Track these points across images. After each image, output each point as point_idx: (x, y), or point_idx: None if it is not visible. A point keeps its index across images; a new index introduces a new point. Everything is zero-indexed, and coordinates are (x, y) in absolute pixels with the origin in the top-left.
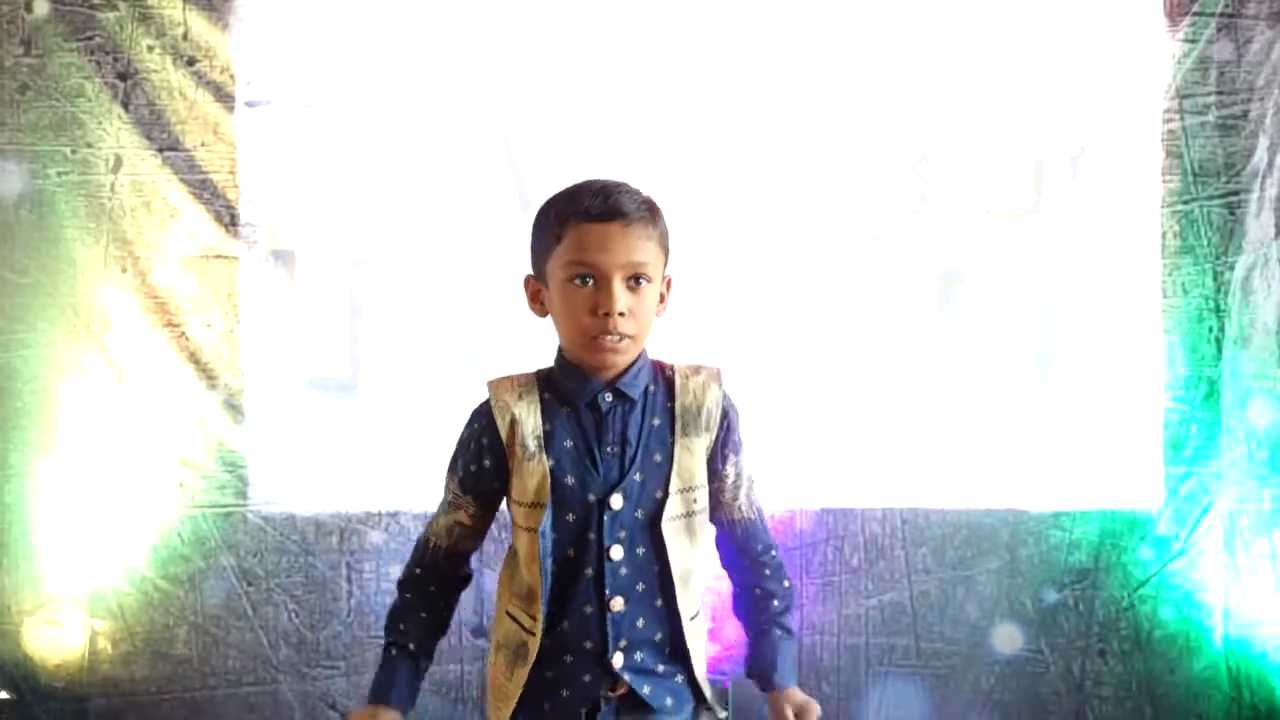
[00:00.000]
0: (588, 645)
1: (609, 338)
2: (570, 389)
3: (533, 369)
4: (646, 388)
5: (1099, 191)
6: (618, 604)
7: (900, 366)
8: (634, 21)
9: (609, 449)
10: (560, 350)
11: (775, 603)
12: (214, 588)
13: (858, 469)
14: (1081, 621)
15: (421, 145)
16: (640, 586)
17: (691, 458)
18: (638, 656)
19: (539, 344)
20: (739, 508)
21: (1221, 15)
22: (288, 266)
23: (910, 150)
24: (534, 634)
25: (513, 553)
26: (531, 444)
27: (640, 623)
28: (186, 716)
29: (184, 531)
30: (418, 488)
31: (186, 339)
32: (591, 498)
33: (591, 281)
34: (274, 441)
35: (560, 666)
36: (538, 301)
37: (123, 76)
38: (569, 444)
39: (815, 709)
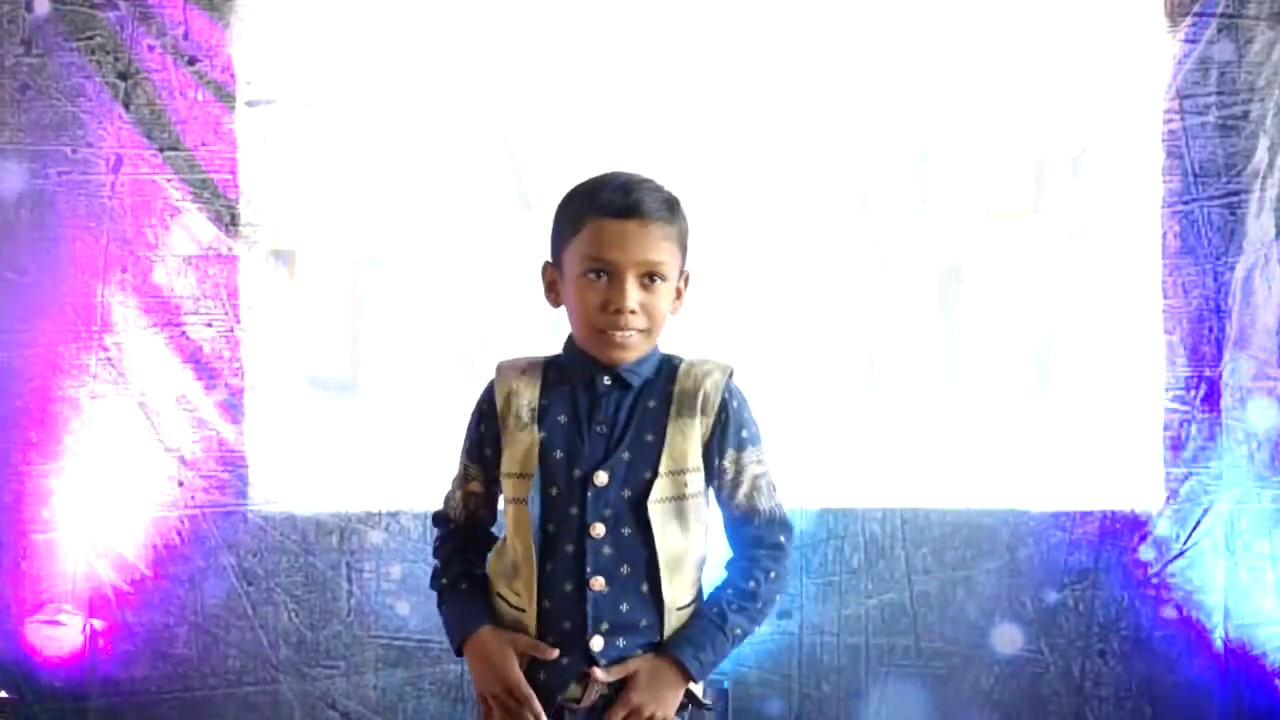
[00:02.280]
0: (567, 625)
1: (618, 333)
2: (571, 370)
3: (547, 354)
4: (649, 378)
5: (1099, 192)
6: (598, 584)
7: (900, 366)
8: (634, 21)
9: (598, 426)
10: (570, 337)
11: (728, 591)
12: (214, 587)
13: (858, 469)
14: (1081, 621)
15: (422, 145)
16: (625, 569)
17: (684, 440)
18: (620, 642)
19: (539, 344)
20: (737, 505)
21: (1222, 15)
22: (288, 266)
23: (910, 150)
24: (524, 610)
25: (501, 530)
26: (525, 415)
27: (624, 607)
28: (186, 716)
29: (184, 531)
30: (418, 488)
31: (186, 339)
32: (577, 473)
33: (605, 277)
34: (274, 441)
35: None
36: (553, 290)
37: (123, 76)
38: (562, 419)
39: (648, 715)
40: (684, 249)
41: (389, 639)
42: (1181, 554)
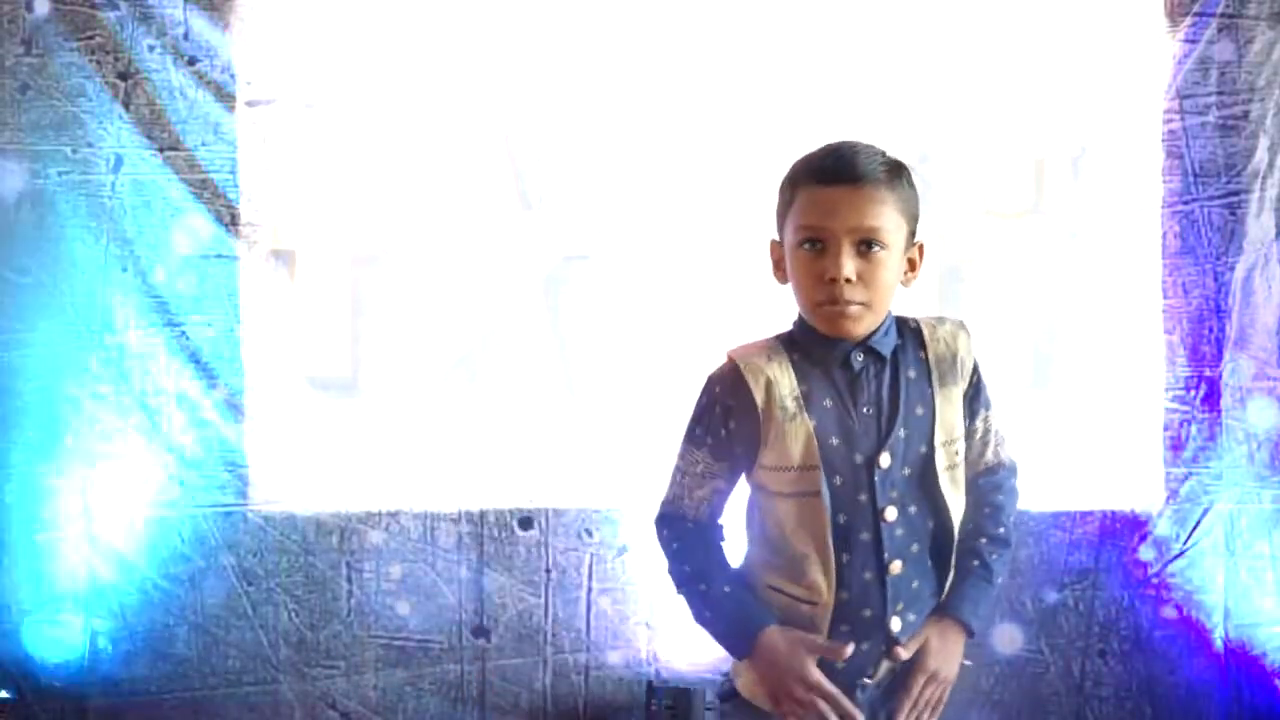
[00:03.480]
0: (867, 613)
1: (837, 305)
2: (819, 351)
3: (770, 334)
4: (897, 345)
5: (1099, 192)
6: (896, 567)
7: None
8: (634, 21)
9: (865, 408)
10: (800, 317)
11: (982, 540)
12: (214, 587)
13: None
14: (1081, 621)
15: (421, 145)
16: (915, 547)
17: (952, 408)
18: (911, 618)
19: (540, 342)
20: (985, 462)
21: (1222, 15)
22: (288, 266)
23: (910, 150)
24: (816, 603)
25: (761, 527)
26: (791, 404)
27: (915, 584)
28: (186, 716)
29: (184, 531)
30: (418, 488)
31: (186, 339)
32: (859, 458)
33: (820, 246)
34: (274, 441)
35: (836, 636)
36: (780, 268)
37: (123, 76)
38: (828, 403)
39: (944, 678)
40: (911, 216)
41: (389, 639)
42: (1181, 554)
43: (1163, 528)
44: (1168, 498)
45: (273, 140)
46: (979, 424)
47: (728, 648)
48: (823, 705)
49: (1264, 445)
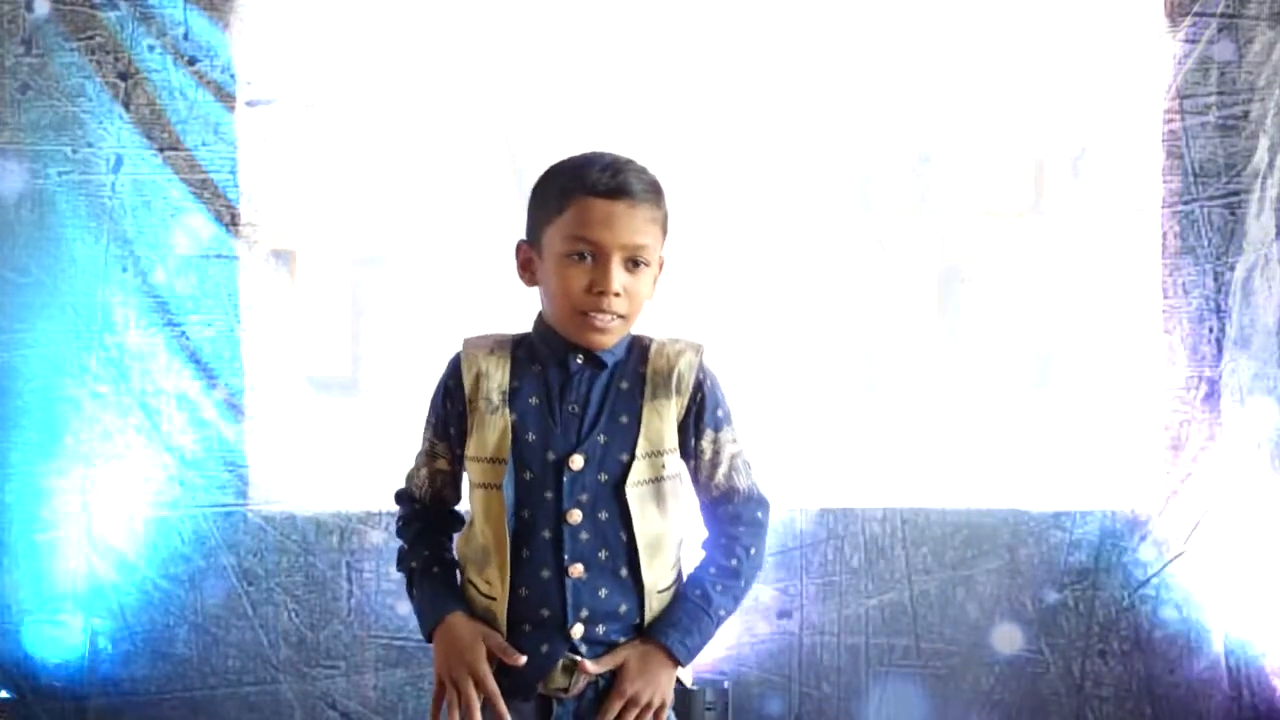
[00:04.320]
0: (545, 613)
1: (600, 316)
2: (543, 349)
3: (514, 331)
4: (620, 359)
5: (1099, 191)
6: (577, 570)
7: (900, 366)
8: (634, 21)
9: (570, 407)
10: (541, 316)
11: (710, 570)
12: (214, 587)
13: (858, 469)
14: (1081, 621)
15: (421, 145)
16: (603, 554)
17: (660, 421)
18: (599, 629)
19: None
20: (716, 486)
21: (1222, 15)
22: (288, 266)
23: (911, 151)
24: (495, 598)
25: (467, 519)
26: (495, 398)
27: (603, 593)
28: (186, 716)
29: (184, 531)
30: None
31: (186, 339)
32: (551, 456)
33: (590, 258)
34: (274, 441)
35: (518, 635)
36: (528, 270)
37: (123, 76)
38: (534, 400)
39: (645, 703)
40: (666, 233)
41: (389, 639)
42: (1181, 554)
43: (1163, 528)
44: (1168, 498)
45: (273, 140)
46: (706, 444)
47: (421, 627)
48: (475, 701)
49: (1264, 445)
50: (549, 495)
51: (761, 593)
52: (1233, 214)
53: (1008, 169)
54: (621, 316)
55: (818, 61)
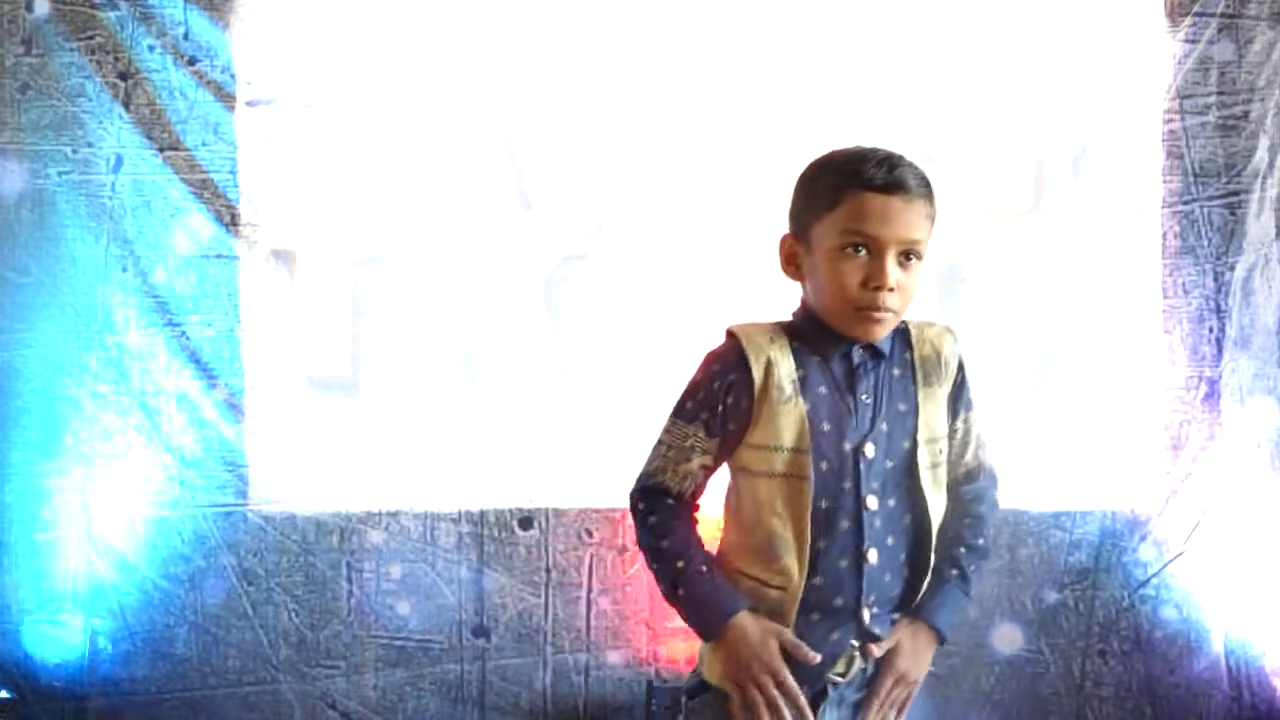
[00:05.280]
0: (838, 602)
1: (876, 311)
2: (819, 342)
3: (771, 320)
4: (890, 347)
5: (1100, 191)
6: (873, 556)
7: None
8: (635, 21)
9: (864, 397)
10: (809, 310)
11: (961, 550)
12: (214, 587)
13: None
14: (1081, 621)
15: (421, 145)
16: (890, 540)
17: (935, 407)
18: (877, 611)
19: (539, 342)
20: (965, 464)
21: (1222, 15)
22: (288, 266)
23: (911, 151)
24: (786, 589)
25: (736, 509)
26: (788, 386)
27: (887, 577)
28: (186, 716)
29: (184, 531)
30: (418, 488)
31: (186, 339)
32: (847, 446)
33: (865, 252)
34: (274, 441)
35: (805, 625)
36: (793, 264)
37: (123, 76)
38: (823, 390)
39: (912, 681)
40: (933, 229)
41: (389, 639)
42: (1181, 554)
43: (1163, 528)
44: (1168, 498)
45: (273, 140)
46: (959, 424)
47: (699, 628)
48: (780, 700)
49: (1264, 445)
50: (847, 484)
51: None
52: (1233, 214)
53: (1008, 169)
54: (894, 311)
55: (818, 61)
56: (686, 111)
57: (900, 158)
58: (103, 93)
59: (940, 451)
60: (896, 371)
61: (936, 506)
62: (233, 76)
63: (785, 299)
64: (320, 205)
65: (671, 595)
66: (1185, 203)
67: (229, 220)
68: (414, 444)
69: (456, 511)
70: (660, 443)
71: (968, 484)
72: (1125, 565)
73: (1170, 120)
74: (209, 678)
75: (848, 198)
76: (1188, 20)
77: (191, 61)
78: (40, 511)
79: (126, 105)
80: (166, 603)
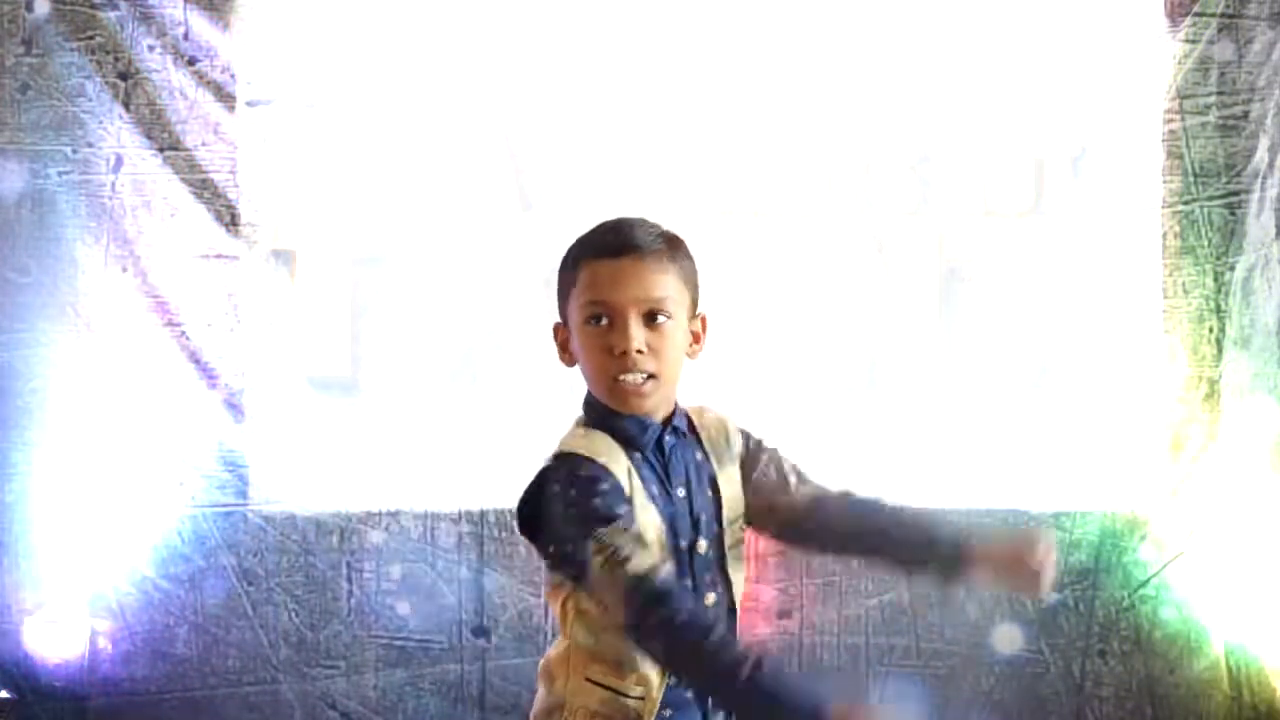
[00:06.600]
0: (689, 694)
1: (628, 378)
2: (632, 432)
3: (571, 425)
4: (684, 427)
5: (1099, 192)
6: None
7: (901, 367)
8: (634, 21)
9: (678, 490)
10: (591, 402)
11: (895, 506)
12: (214, 587)
13: (858, 469)
14: (1081, 621)
15: (422, 145)
16: (722, 628)
17: (733, 486)
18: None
19: (539, 344)
20: (806, 481)
21: (1222, 15)
22: (288, 266)
23: (911, 151)
24: (645, 698)
25: (583, 615)
26: (640, 493)
27: None
28: (186, 716)
29: (184, 531)
30: (418, 488)
31: (186, 339)
32: (682, 543)
33: (606, 320)
34: (274, 441)
35: None
36: (566, 350)
37: (123, 76)
38: (654, 489)
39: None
40: (692, 287)
41: (389, 639)
42: (1181, 554)
43: (1163, 528)
44: (1168, 498)
45: (273, 140)
46: (767, 460)
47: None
48: None
49: (1264, 445)
50: (688, 583)
51: (761, 593)
52: (1233, 214)
53: (1008, 169)
54: (652, 375)
55: (818, 61)
56: (686, 111)
57: (639, 221)
58: (103, 93)
59: (740, 529)
60: (699, 455)
61: (739, 587)
62: (233, 76)
63: (785, 299)
64: (320, 205)
65: (732, 683)
66: (1185, 203)
67: (229, 220)
68: (414, 444)
69: (456, 511)
70: (604, 564)
71: (826, 491)
72: (1125, 565)
73: (1170, 120)
74: (209, 678)
75: (583, 269)
76: (1188, 20)
77: (191, 61)
78: (40, 511)
79: (126, 105)
80: (166, 603)
